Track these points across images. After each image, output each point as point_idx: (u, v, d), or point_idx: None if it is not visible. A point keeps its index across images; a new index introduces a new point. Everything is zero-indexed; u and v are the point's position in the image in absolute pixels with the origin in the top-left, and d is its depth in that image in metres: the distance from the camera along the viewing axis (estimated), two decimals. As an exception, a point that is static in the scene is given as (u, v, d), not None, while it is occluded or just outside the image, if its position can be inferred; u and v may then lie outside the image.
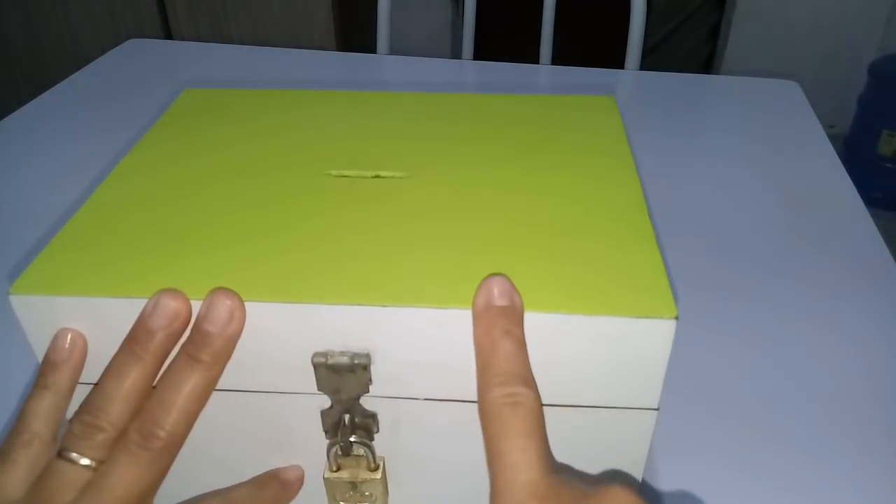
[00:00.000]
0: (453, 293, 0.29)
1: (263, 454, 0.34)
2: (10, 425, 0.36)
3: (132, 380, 0.29)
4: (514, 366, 0.28)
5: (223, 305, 0.29)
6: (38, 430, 0.30)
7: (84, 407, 0.30)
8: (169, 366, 0.30)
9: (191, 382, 0.29)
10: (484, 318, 0.29)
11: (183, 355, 0.30)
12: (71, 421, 0.30)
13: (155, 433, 0.28)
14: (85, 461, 0.29)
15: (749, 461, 0.41)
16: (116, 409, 0.29)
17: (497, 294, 0.29)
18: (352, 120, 0.44)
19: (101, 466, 0.29)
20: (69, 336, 0.31)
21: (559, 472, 0.27)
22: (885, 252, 0.58)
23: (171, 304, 0.29)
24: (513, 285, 0.29)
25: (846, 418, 0.44)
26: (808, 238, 0.59)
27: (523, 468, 0.26)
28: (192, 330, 0.30)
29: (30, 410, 0.30)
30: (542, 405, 0.28)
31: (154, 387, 0.30)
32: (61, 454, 0.29)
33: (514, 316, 0.29)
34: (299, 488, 0.34)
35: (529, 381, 0.28)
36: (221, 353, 0.30)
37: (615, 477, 0.33)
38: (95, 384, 0.30)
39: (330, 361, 0.30)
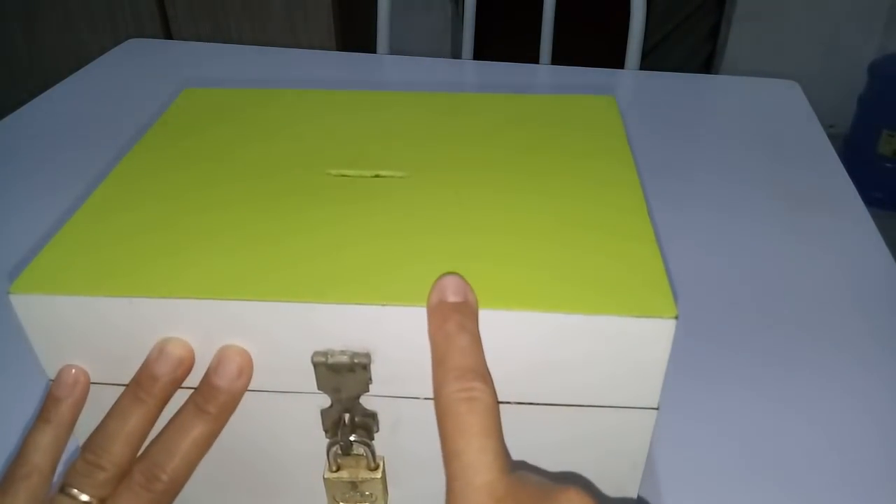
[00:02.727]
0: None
1: (263, 453, 0.34)
2: (8, 419, 0.36)
3: (134, 422, 0.31)
4: (470, 360, 0.28)
5: (233, 362, 0.31)
6: (37, 463, 0.31)
7: (87, 446, 0.31)
8: (177, 413, 0.31)
9: (196, 431, 0.31)
10: (437, 314, 0.29)
11: (191, 405, 0.31)
12: (75, 459, 0.31)
13: (158, 476, 0.30)
14: (85, 497, 0.30)
15: (749, 460, 0.41)
16: (118, 449, 0.30)
17: (451, 291, 0.29)
18: (352, 120, 0.44)
19: (102, 503, 0.30)
20: (73, 372, 0.32)
21: (515, 471, 0.27)
22: (886, 252, 0.58)
23: (175, 353, 0.31)
24: (467, 283, 0.29)
25: (847, 416, 0.44)
26: (808, 238, 0.59)
27: (481, 469, 0.26)
28: (201, 382, 0.31)
29: (31, 444, 0.31)
30: (498, 401, 0.28)
31: (161, 431, 0.31)
32: (63, 490, 0.30)
33: (468, 312, 0.29)
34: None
35: (485, 376, 0.28)
36: (227, 406, 0.31)
37: (571, 478, 0.33)
38: (99, 424, 0.31)
39: (330, 361, 0.30)
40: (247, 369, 0.31)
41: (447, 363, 0.28)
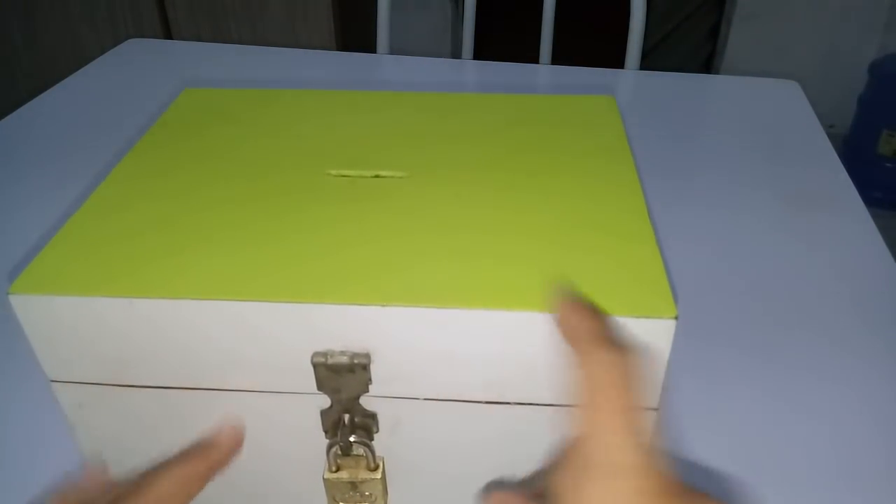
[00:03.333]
0: (453, 293, 0.29)
1: (263, 453, 0.34)
2: (8, 419, 0.35)
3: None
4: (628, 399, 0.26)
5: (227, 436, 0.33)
6: None
7: None
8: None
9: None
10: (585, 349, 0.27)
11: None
12: None
13: None
14: None
15: (749, 461, 0.41)
16: None
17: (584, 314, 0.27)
18: (352, 120, 0.44)
19: None
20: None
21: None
22: (885, 252, 0.58)
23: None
24: (579, 300, 0.28)
25: (847, 415, 0.44)
26: (808, 238, 0.59)
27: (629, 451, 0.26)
28: (195, 445, 0.33)
29: None
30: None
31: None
32: None
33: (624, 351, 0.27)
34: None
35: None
36: (214, 472, 0.33)
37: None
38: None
39: (330, 361, 0.30)
40: (239, 443, 0.33)
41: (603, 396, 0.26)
